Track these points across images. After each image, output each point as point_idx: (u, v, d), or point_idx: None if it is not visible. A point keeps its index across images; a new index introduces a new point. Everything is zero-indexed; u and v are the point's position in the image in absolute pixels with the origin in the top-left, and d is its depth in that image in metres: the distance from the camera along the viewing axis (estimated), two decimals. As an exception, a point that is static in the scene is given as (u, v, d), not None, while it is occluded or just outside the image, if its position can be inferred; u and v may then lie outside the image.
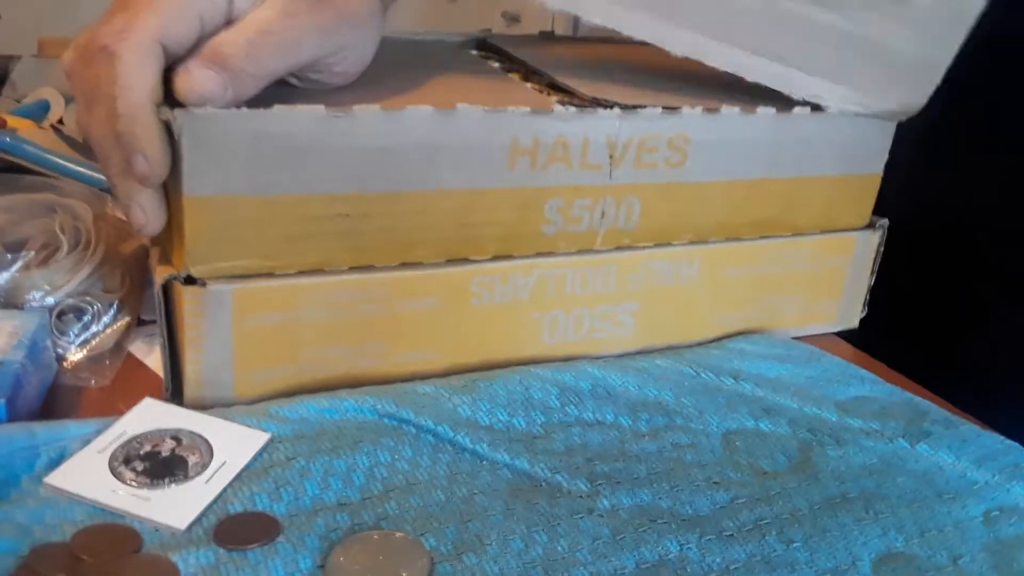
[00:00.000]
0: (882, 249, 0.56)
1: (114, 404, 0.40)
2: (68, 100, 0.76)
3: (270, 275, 0.41)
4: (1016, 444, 0.45)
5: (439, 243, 0.44)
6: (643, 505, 0.38)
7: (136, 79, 0.36)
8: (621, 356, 0.49)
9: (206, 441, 0.38)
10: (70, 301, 0.45)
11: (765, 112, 0.49)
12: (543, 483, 0.39)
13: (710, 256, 0.50)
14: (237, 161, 0.38)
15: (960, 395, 0.50)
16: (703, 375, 0.48)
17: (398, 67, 0.47)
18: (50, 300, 0.45)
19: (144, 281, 0.50)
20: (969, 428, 0.46)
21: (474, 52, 0.58)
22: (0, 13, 0.94)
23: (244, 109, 0.38)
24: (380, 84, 0.43)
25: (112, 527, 0.34)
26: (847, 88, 0.49)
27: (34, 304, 0.44)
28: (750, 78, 0.48)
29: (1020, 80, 0.59)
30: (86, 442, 0.37)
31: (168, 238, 0.42)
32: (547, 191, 0.45)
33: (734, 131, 0.48)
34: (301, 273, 0.41)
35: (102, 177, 0.63)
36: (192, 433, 0.38)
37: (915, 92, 0.50)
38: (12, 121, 0.66)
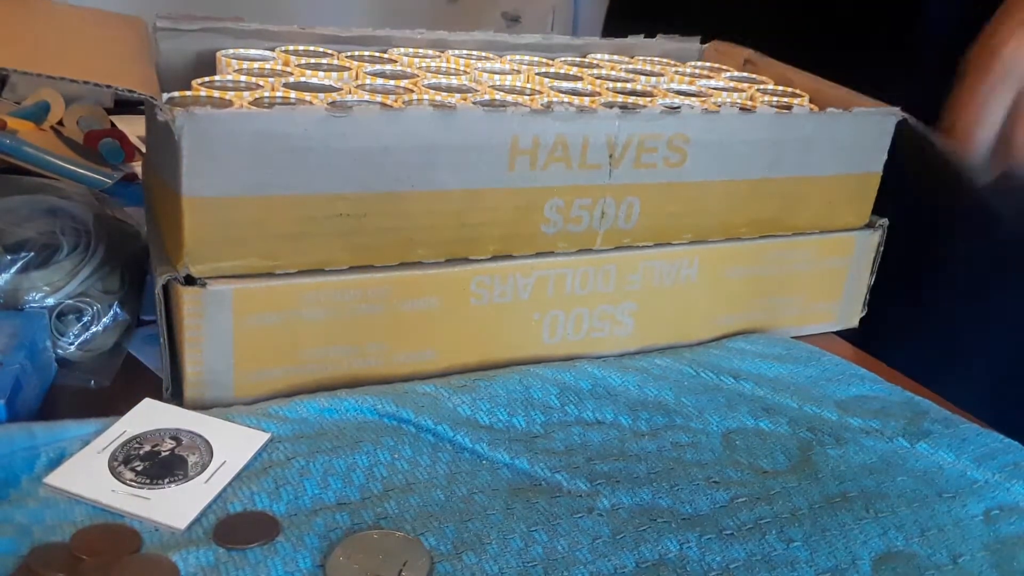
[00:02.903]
0: (882, 249, 0.56)
1: (114, 404, 0.40)
2: (68, 102, 0.76)
3: (270, 275, 0.41)
4: (1016, 443, 0.45)
5: (439, 243, 0.44)
6: (643, 504, 0.38)
7: None
8: (621, 356, 0.49)
9: (206, 441, 0.38)
10: (70, 302, 0.45)
11: (765, 112, 0.49)
12: (543, 482, 0.39)
13: (710, 256, 0.50)
14: (237, 161, 0.38)
15: (960, 395, 0.50)
16: (703, 375, 0.48)
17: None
18: (50, 301, 0.45)
19: (144, 281, 0.50)
20: (969, 427, 0.46)
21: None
22: (0, 15, 0.94)
23: (244, 109, 0.38)
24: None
25: (112, 527, 0.34)
26: None
27: (34, 305, 0.44)
28: None
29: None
30: (86, 442, 0.37)
31: (168, 238, 0.43)
32: (547, 191, 0.45)
33: (733, 131, 0.48)
34: (301, 273, 0.41)
35: (101, 178, 0.63)
36: (192, 433, 0.38)
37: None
38: (12, 123, 0.66)
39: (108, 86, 0.37)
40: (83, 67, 0.38)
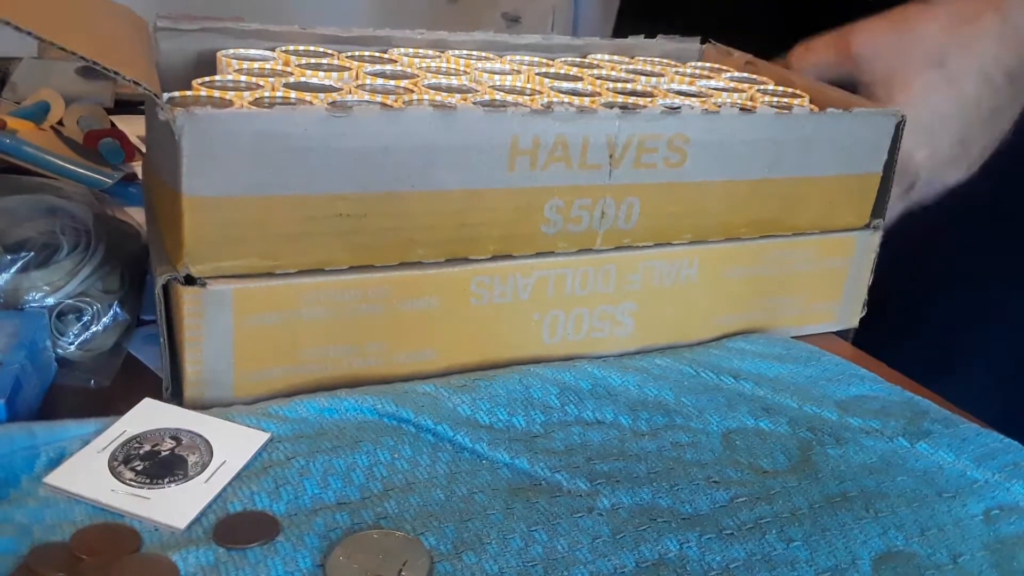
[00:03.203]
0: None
1: (114, 404, 0.40)
2: (68, 101, 0.76)
3: (270, 275, 0.41)
4: (1016, 443, 0.45)
5: (439, 243, 0.44)
6: (643, 504, 0.38)
7: None
8: (621, 356, 0.49)
9: (206, 441, 0.38)
10: (70, 302, 0.45)
11: (765, 112, 0.49)
12: (543, 482, 0.39)
13: (710, 256, 0.50)
14: (237, 161, 0.38)
15: (960, 395, 0.50)
16: (703, 374, 0.48)
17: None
18: (50, 301, 0.45)
19: (144, 281, 0.50)
20: (969, 427, 0.46)
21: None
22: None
23: (244, 109, 0.38)
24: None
25: (112, 526, 0.34)
26: None
27: (34, 305, 0.44)
28: None
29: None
30: (86, 442, 0.37)
31: (168, 238, 0.43)
32: (547, 191, 0.45)
33: (734, 131, 0.48)
34: (301, 273, 0.41)
35: (101, 178, 0.63)
36: (192, 433, 0.38)
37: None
38: (12, 122, 0.66)
39: (116, 72, 0.37)
40: (97, 51, 0.38)
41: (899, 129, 0.52)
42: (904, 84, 0.53)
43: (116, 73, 0.37)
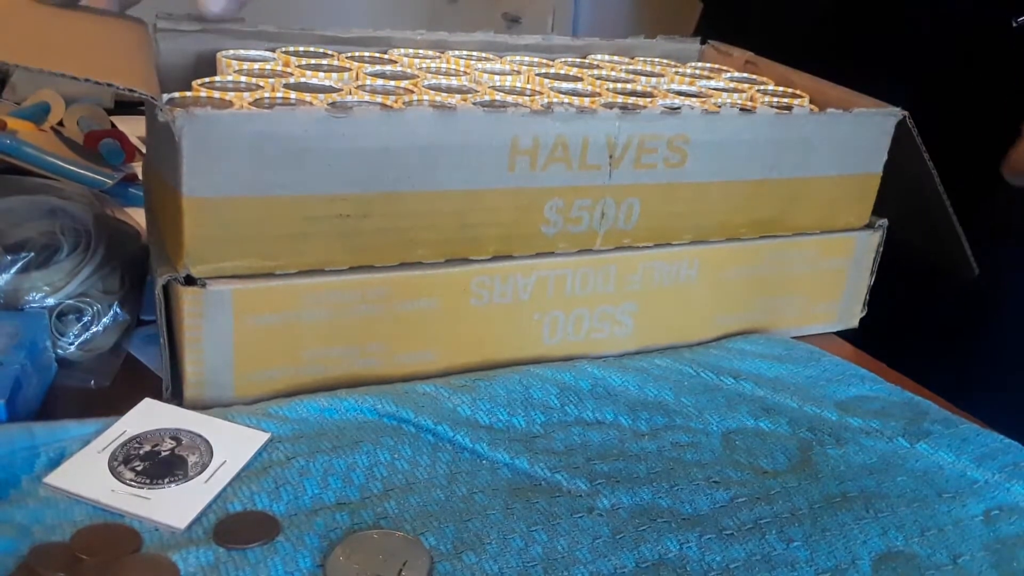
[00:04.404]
0: (881, 249, 0.56)
1: (114, 404, 0.40)
2: (68, 102, 0.76)
3: (270, 275, 0.41)
4: (1016, 443, 0.45)
5: (439, 243, 0.44)
6: (643, 504, 0.38)
7: None
8: (621, 356, 0.49)
9: (206, 441, 0.38)
10: (70, 302, 0.45)
11: (765, 112, 0.49)
12: (543, 482, 0.39)
13: (710, 256, 0.50)
14: (237, 161, 0.38)
15: (960, 395, 0.50)
16: (703, 375, 0.48)
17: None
18: (50, 301, 0.45)
19: (144, 281, 0.50)
20: (969, 427, 0.46)
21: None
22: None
23: (244, 109, 0.38)
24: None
25: (112, 527, 0.34)
26: None
27: (34, 305, 0.44)
28: None
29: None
30: (86, 442, 0.37)
31: (168, 238, 0.43)
32: (547, 191, 0.45)
33: (734, 131, 0.48)
34: (301, 273, 0.41)
35: (101, 178, 0.63)
36: (192, 433, 0.38)
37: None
38: (12, 123, 0.66)
39: (109, 84, 0.37)
40: (85, 65, 0.38)
41: (899, 129, 0.52)
42: None
43: (109, 84, 0.37)
